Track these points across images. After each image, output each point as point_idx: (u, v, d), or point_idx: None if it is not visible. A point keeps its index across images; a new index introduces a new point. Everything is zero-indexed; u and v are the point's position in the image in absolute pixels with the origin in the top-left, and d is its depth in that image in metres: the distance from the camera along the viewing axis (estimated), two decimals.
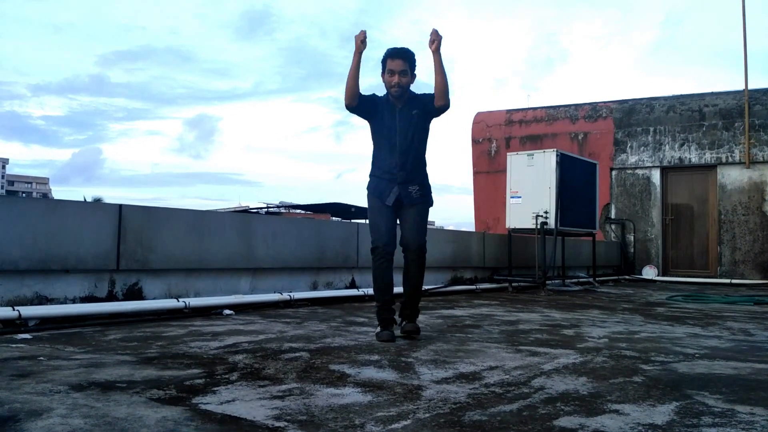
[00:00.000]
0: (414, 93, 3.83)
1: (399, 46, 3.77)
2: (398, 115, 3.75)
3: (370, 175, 3.87)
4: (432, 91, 3.75)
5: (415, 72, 3.79)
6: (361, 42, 3.62)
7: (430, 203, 3.86)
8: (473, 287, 8.06)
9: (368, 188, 3.86)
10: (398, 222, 3.81)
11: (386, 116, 3.76)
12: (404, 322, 3.72)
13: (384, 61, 3.74)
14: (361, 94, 3.72)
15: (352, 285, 6.57)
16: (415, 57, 3.77)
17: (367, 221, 3.94)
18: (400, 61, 3.70)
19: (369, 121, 3.85)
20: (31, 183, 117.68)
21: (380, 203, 3.76)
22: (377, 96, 3.85)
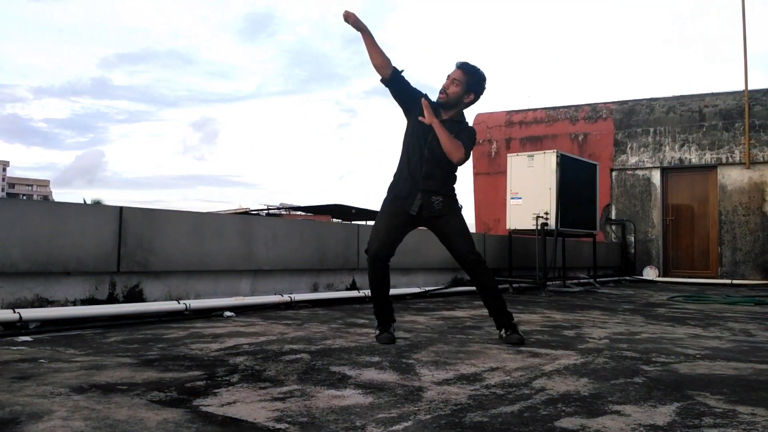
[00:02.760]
0: (464, 118, 3.71)
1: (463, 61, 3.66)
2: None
3: (394, 176, 3.72)
4: (473, 128, 3.71)
5: (473, 95, 3.61)
6: (354, 23, 3.49)
7: (459, 206, 3.73)
8: (474, 288, 8.05)
9: (388, 189, 3.72)
10: (439, 239, 3.68)
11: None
12: (505, 332, 3.63)
13: None
14: (398, 73, 3.55)
15: (353, 286, 6.57)
16: (480, 80, 3.61)
17: (366, 222, 3.87)
18: (458, 71, 3.58)
19: (405, 114, 3.67)
20: (31, 185, 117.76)
21: (392, 207, 3.63)
22: (421, 93, 3.64)
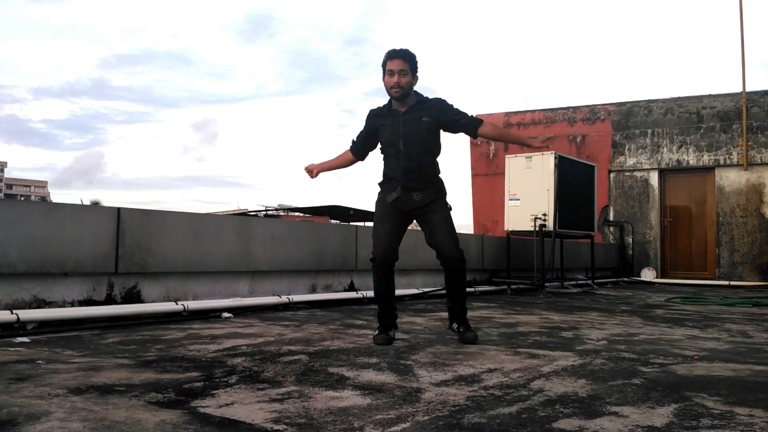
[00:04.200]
0: (422, 97, 3.72)
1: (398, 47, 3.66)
2: (402, 120, 3.65)
3: (379, 184, 3.80)
4: (441, 99, 3.74)
5: (417, 74, 3.66)
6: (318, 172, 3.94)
7: (448, 206, 3.76)
8: (472, 289, 8.06)
9: (380, 191, 3.79)
10: (425, 235, 3.72)
11: (390, 123, 3.68)
12: (458, 327, 3.67)
13: (384, 64, 3.63)
14: (359, 145, 3.85)
15: (351, 288, 6.57)
16: (416, 59, 3.63)
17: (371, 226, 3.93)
18: (399, 60, 3.58)
19: (377, 137, 3.80)
20: (29, 186, 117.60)
21: (384, 209, 3.69)
22: (375, 111, 3.78)
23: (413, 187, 3.65)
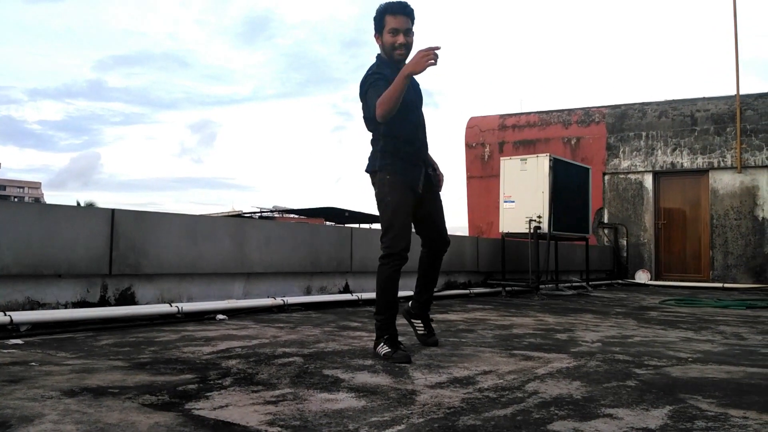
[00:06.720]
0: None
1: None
2: (411, 84, 3.12)
3: (390, 153, 3.13)
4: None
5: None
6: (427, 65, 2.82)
7: None
8: (467, 292, 8.07)
9: (391, 171, 3.13)
10: (422, 218, 3.32)
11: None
12: (425, 331, 3.52)
13: (381, 18, 3.10)
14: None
15: (346, 289, 6.56)
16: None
17: (387, 216, 3.13)
18: (403, 17, 3.07)
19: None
20: (23, 187, 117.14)
21: (409, 196, 3.16)
22: (383, 70, 3.09)
23: (428, 162, 3.33)
